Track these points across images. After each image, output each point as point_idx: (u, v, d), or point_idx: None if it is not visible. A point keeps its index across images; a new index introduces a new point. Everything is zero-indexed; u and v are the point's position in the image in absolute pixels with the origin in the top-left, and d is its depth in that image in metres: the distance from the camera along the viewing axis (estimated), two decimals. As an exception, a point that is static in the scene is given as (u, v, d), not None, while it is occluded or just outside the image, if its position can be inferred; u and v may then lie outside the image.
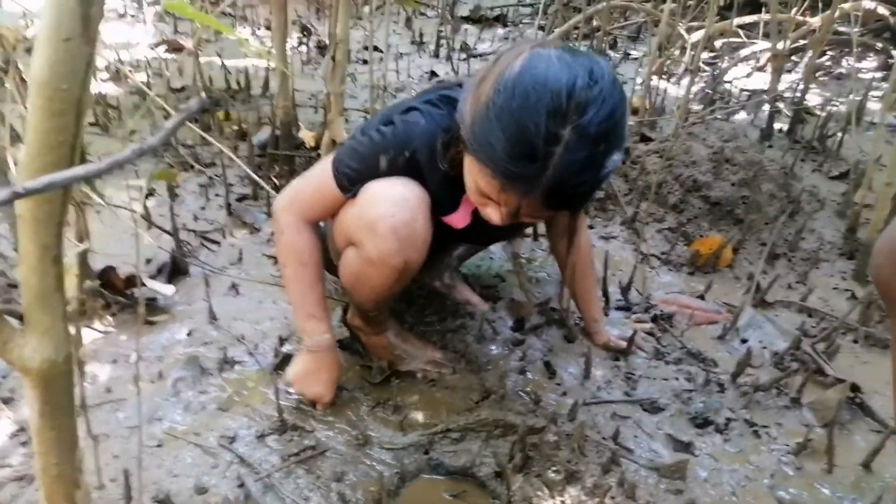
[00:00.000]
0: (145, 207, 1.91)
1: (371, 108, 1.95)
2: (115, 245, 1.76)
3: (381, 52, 3.33)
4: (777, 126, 2.82)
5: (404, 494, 1.23)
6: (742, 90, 3.32)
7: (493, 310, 1.68)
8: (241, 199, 2.12)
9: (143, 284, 1.59)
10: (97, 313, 1.52)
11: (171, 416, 1.31)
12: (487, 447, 1.28)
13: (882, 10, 3.46)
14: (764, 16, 3.23)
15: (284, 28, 2.13)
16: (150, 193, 2.08)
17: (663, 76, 3.07)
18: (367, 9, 4.20)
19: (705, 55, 3.61)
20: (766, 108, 2.84)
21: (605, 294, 1.75)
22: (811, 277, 1.94)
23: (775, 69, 2.78)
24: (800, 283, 1.93)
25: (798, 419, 1.43)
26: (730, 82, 3.34)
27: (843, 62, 3.83)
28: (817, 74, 3.60)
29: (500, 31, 4.36)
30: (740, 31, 3.39)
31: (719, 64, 3.54)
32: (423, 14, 4.58)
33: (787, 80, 3.25)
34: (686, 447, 1.33)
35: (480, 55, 3.76)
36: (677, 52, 3.21)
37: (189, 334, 1.53)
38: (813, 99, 3.20)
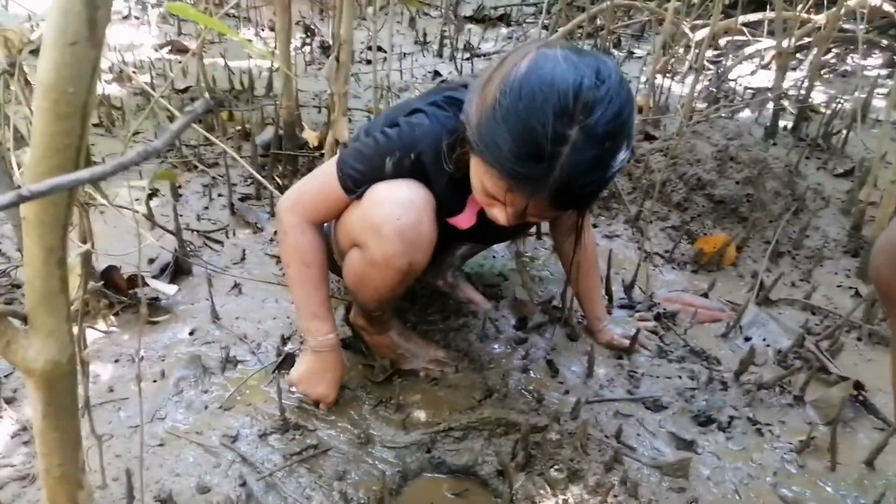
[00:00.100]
0: (148, 207, 1.91)
1: (375, 108, 1.95)
2: (118, 245, 1.77)
3: (385, 52, 3.33)
4: (782, 124, 2.81)
5: (406, 493, 1.23)
6: (746, 88, 3.31)
7: (495, 308, 1.68)
8: (244, 198, 2.13)
9: (146, 284, 1.60)
10: (100, 313, 1.53)
11: (174, 416, 1.32)
12: (490, 446, 1.29)
13: (887, 7, 3.45)
14: (769, 13, 3.22)
15: (288, 29, 2.13)
16: (154, 193, 2.09)
17: (667, 74, 3.06)
18: (370, 9, 4.20)
19: (710, 53, 3.61)
20: (771, 105, 2.83)
21: (609, 292, 1.75)
22: (815, 275, 1.94)
23: (780, 67, 2.77)
24: (804, 280, 1.92)
25: (801, 417, 1.42)
26: (734, 80, 3.33)
27: (848, 59, 3.82)
28: (822, 72, 3.59)
29: (504, 30, 4.36)
30: (745, 29, 3.38)
31: (724, 62, 3.53)
32: (426, 14, 4.58)
33: (791, 77, 3.24)
34: (689, 445, 1.33)
35: (484, 55, 3.76)
36: (681, 51, 3.20)
37: (191, 334, 1.54)
38: (818, 96, 3.19)
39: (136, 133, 2.45)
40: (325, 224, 1.36)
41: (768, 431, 1.38)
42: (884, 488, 1.25)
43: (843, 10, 2.67)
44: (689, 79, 2.86)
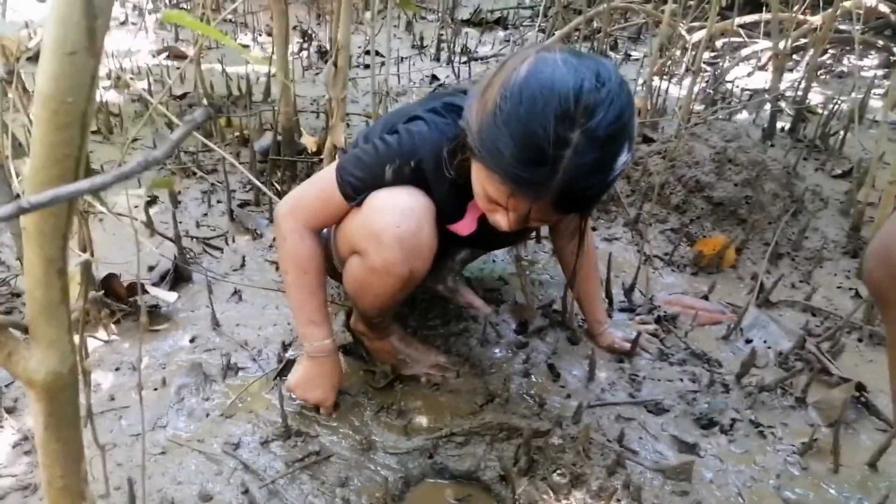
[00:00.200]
0: (147, 215, 1.91)
1: (374, 113, 1.95)
2: (117, 252, 1.77)
3: (383, 56, 3.33)
4: (779, 125, 2.82)
5: (409, 499, 1.23)
6: (744, 90, 3.32)
7: (496, 313, 1.68)
8: (244, 205, 2.12)
9: (146, 292, 1.60)
10: (101, 322, 1.52)
11: (175, 424, 1.31)
12: (492, 451, 1.28)
13: (883, 8, 3.46)
14: (765, 15, 3.22)
15: (285, 34, 2.13)
16: (153, 200, 2.09)
17: (665, 77, 3.06)
18: (367, 14, 4.20)
19: (706, 55, 3.61)
20: (768, 107, 2.83)
21: (609, 295, 1.75)
22: (815, 277, 1.94)
23: (777, 68, 2.78)
24: (804, 282, 1.92)
25: (803, 419, 1.42)
26: (731, 82, 3.34)
27: (845, 60, 3.82)
28: (819, 73, 3.59)
29: (501, 33, 4.36)
30: (741, 31, 3.39)
31: (721, 64, 3.54)
32: (423, 18, 4.59)
33: (788, 79, 3.25)
34: (691, 448, 1.33)
35: (481, 58, 3.76)
36: (678, 53, 3.20)
37: (192, 341, 1.54)
38: (815, 98, 3.20)
39: (134, 140, 2.44)
40: (325, 230, 1.36)
41: (770, 434, 1.38)
42: (887, 490, 1.25)
43: (839, 11, 2.67)
44: (687, 81, 2.86)
